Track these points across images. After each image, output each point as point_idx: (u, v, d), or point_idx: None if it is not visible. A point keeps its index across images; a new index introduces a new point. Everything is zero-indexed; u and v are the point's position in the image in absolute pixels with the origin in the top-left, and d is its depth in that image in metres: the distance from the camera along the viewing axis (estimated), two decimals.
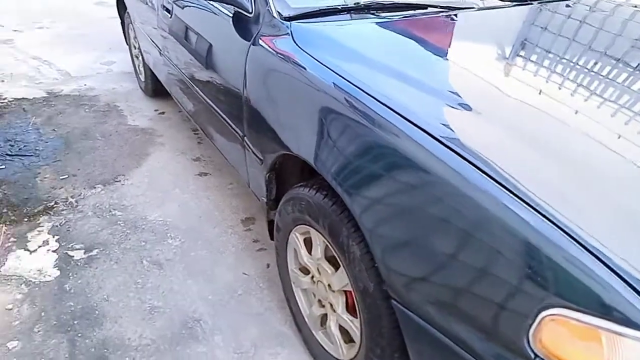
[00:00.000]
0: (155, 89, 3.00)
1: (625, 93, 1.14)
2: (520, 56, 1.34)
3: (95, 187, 2.23)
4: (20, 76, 3.50)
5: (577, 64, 1.29)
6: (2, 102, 3.05)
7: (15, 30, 4.63)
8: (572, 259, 0.68)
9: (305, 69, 1.23)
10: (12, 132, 2.69)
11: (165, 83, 2.55)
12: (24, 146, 2.54)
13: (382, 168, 0.97)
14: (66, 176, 2.31)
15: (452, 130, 0.94)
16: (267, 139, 1.39)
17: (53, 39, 4.41)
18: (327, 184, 1.13)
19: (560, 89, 1.14)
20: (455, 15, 1.49)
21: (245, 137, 1.54)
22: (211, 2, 1.66)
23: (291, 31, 1.36)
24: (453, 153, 0.86)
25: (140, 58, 3.07)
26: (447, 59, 1.30)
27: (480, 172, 0.81)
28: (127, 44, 3.45)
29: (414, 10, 1.50)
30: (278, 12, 1.42)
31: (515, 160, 0.86)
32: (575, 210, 0.75)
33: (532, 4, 1.66)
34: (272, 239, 1.56)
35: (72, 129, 2.77)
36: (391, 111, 0.98)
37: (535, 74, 1.21)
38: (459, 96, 1.08)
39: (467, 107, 1.04)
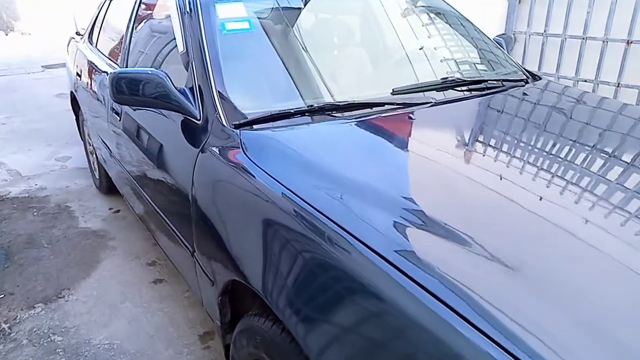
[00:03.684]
0: (110, 187, 2.85)
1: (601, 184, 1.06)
2: (487, 155, 1.26)
3: (34, 307, 1.99)
4: None
5: (547, 158, 1.22)
6: None
7: None
8: None
9: (254, 183, 1.11)
10: None
11: (117, 183, 2.41)
12: None
13: (337, 296, 0.84)
14: (2, 295, 2.06)
15: (411, 251, 0.83)
16: (217, 259, 1.23)
17: (6, 135, 4.27)
18: None
19: (530, 191, 1.05)
20: (413, 113, 1.43)
21: (195, 254, 1.39)
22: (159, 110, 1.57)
23: (241, 139, 1.26)
24: (410, 280, 0.76)
25: (94, 155, 2.95)
26: (406, 164, 1.21)
27: (445, 306, 0.71)
28: (82, 140, 3.33)
29: (370, 108, 1.44)
30: (227, 119, 1.33)
31: (487, 289, 0.73)
32: (561, 348, 0.62)
33: (490, 95, 1.63)
34: None
35: (15, 237, 2.55)
36: (343, 230, 0.88)
37: (504, 175, 1.13)
38: (422, 209, 0.96)
39: (432, 223, 0.92)
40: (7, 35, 11.05)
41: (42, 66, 7.43)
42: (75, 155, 3.68)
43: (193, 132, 1.42)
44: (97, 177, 3.00)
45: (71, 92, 3.13)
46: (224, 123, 1.32)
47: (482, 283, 0.74)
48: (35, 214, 2.81)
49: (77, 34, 3.28)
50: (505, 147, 1.27)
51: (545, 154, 1.21)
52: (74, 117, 3.35)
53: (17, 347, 1.77)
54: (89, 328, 1.86)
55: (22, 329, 1.86)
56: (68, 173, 3.41)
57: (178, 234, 1.50)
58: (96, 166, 2.96)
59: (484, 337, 0.65)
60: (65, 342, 1.79)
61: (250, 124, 1.33)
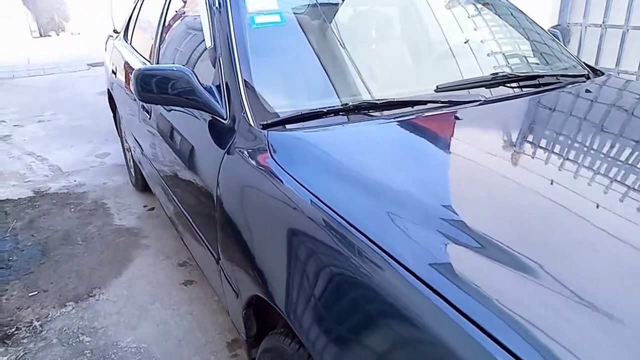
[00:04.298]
0: (145, 184, 2.83)
1: None
2: (548, 162, 1.09)
3: (65, 305, 1.98)
4: (10, 175, 3.39)
5: (621, 167, 1.06)
6: None
7: (15, 125, 4.63)
8: None
9: (282, 188, 1.02)
10: None
11: (149, 181, 2.38)
12: None
13: (368, 320, 0.74)
14: (36, 292, 2.07)
15: (454, 274, 0.71)
16: (241, 270, 1.15)
17: (52, 131, 4.38)
18: None
19: (601, 205, 0.90)
20: (459, 112, 1.29)
21: (220, 262, 1.31)
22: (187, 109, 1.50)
23: (268, 141, 1.17)
24: (450, 306, 0.65)
25: (130, 153, 2.95)
26: (452, 171, 1.08)
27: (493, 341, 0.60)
28: (119, 137, 3.35)
29: (412, 107, 1.31)
30: (254, 119, 1.24)
31: (551, 327, 0.60)
32: None
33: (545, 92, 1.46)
34: None
35: (52, 232, 2.57)
36: (375, 245, 0.78)
37: (568, 186, 0.98)
38: (470, 225, 0.83)
39: (482, 241, 0.79)
40: (58, 35, 11.50)
41: (87, 64, 7.66)
42: (114, 152, 3.72)
43: (220, 132, 1.33)
44: (133, 174, 3.00)
45: (108, 90, 3.15)
46: (251, 123, 1.23)
47: (547, 320, 0.62)
48: (72, 210, 2.84)
49: (115, 31, 3.29)
50: (568, 153, 1.11)
51: (619, 162, 1.05)
52: (112, 114, 3.38)
53: (47, 346, 1.76)
54: (117, 330, 1.83)
55: (52, 327, 1.86)
56: (106, 170, 3.45)
57: (204, 238, 1.43)
58: (132, 163, 2.96)
59: None
60: (94, 344, 1.76)
61: (279, 123, 1.23)
